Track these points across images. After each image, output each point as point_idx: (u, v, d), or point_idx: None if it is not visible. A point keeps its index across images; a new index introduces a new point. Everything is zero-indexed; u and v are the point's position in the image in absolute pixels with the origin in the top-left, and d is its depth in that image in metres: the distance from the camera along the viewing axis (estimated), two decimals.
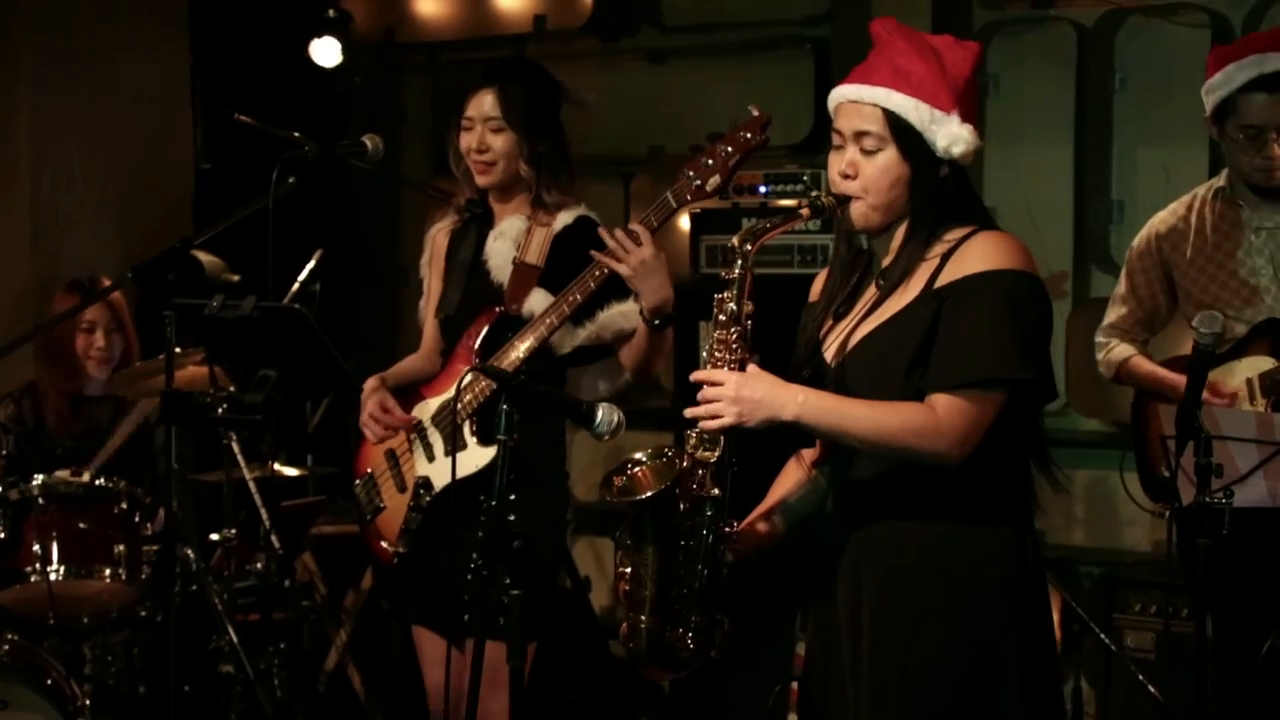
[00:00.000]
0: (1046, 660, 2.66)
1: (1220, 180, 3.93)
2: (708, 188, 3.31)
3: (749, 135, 3.28)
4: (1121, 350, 4.06)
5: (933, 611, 2.59)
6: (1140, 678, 4.42)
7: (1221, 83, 3.77)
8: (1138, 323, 4.07)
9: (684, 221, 5.45)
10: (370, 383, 3.70)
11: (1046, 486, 2.70)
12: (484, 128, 3.57)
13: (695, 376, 2.59)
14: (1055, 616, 5.01)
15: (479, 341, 3.54)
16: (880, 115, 2.62)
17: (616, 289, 3.46)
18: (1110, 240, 5.27)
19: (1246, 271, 3.83)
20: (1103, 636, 4.55)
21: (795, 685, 2.84)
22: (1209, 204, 3.91)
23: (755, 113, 3.29)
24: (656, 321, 3.40)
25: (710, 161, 3.31)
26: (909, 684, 2.58)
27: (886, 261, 2.70)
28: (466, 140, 3.60)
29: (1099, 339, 4.12)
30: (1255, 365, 3.74)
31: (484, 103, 3.58)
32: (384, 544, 3.64)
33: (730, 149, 3.29)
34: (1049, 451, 2.69)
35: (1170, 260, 3.96)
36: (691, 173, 3.32)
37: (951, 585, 2.59)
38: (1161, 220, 4.02)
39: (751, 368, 2.60)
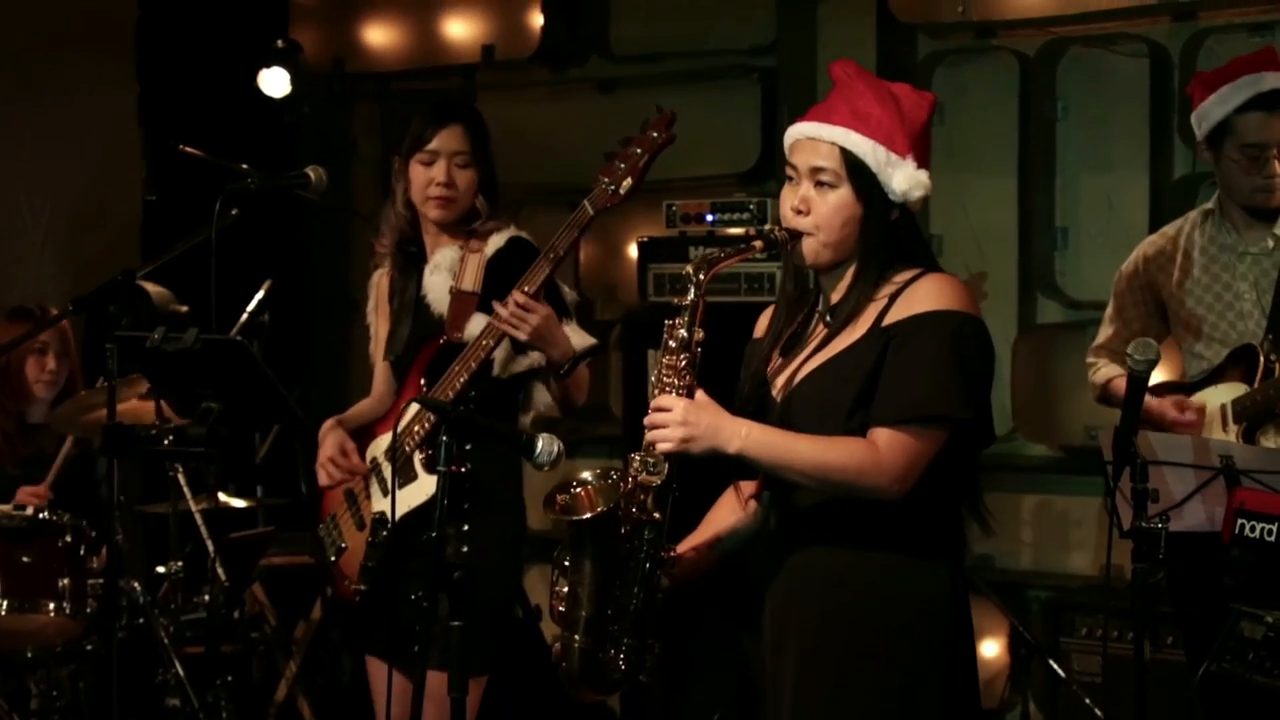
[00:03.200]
0: (971, 699, 2.68)
1: (1210, 204, 3.91)
2: (622, 191, 3.34)
3: (656, 134, 3.33)
4: (1106, 371, 4.02)
5: (861, 646, 2.61)
6: (1087, 700, 4.44)
7: (1216, 104, 3.77)
8: (1125, 343, 3.96)
9: (632, 250, 5.48)
10: (327, 424, 3.70)
11: (992, 519, 2.73)
12: (449, 162, 3.56)
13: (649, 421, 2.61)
14: (1003, 640, 5.07)
15: (424, 373, 3.55)
16: (837, 153, 2.65)
17: (555, 309, 3.48)
18: (1054, 267, 5.32)
19: (1232, 295, 3.82)
20: (1049, 660, 4.58)
21: None
22: (1198, 227, 3.90)
23: (662, 112, 3.34)
24: (564, 368, 3.46)
25: (622, 165, 3.34)
26: (836, 716, 2.60)
27: (835, 298, 2.72)
28: (426, 174, 3.57)
29: (1088, 359, 4.09)
30: (1230, 391, 3.74)
31: (452, 138, 3.57)
32: (347, 583, 3.63)
33: (639, 150, 3.33)
34: (981, 496, 2.72)
35: (1158, 283, 3.94)
36: (606, 179, 3.35)
37: (882, 620, 2.61)
38: (1150, 243, 4.01)
39: (700, 396, 2.61)
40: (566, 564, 2.68)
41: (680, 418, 2.56)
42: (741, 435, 2.57)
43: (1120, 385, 3.95)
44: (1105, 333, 4.06)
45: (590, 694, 2.71)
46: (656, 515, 2.64)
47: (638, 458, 2.63)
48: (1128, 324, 4.01)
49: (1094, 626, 4.78)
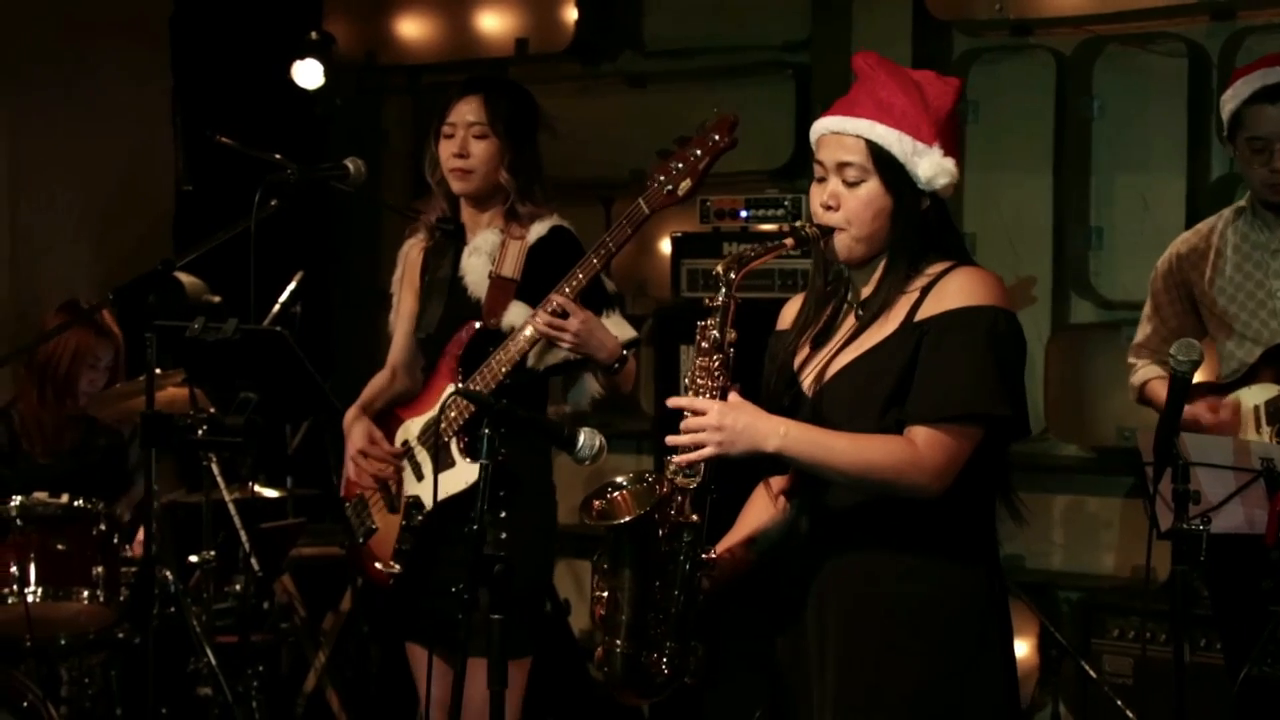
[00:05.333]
0: (1011, 698, 2.68)
1: (1243, 201, 3.90)
2: (679, 192, 3.30)
3: (718, 138, 3.27)
4: (1144, 372, 4.00)
5: (901, 643, 2.60)
6: (1118, 703, 4.42)
7: (1231, 96, 3.78)
8: (1164, 341, 3.96)
9: (665, 245, 5.47)
10: (350, 413, 3.68)
11: (1024, 507, 2.72)
12: (466, 133, 3.55)
13: (674, 403, 2.58)
14: (1033, 641, 5.05)
15: (459, 358, 3.54)
16: (863, 147, 2.63)
17: (598, 302, 3.47)
18: (1089, 266, 5.29)
19: (1265, 294, 3.80)
20: (1081, 662, 4.56)
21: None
22: (1231, 225, 3.88)
23: (722, 115, 3.29)
24: (615, 365, 3.45)
25: (680, 165, 3.29)
26: (874, 715, 2.59)
27: (866, 292, 2.70)
28: (447, 147, 3.58)
29: (1129, 359, 4.07)
30: (1263, 392, 3.71)
31: (468, 109, 3.57)
32: (378, 565, 3.62)
33: (699, 152, 3.28)
34: (1011, 482, 2.71)
35: (1190, 280, 3.92)
36: (662, 177, 3.31)
37: (921, 618, 2.60)
38: (1184, 240, 3.99)
39: (734, 396, 2.59)
40: (605, 568, 2.65)
41: (716, 421, 2.54)
42: (780, 434, 2.55)
43: (1157, 388, 3.93)
44: (1144, 331, 4.04)
45: (634, 698, 2.69)
46: (694, 517, 2.61)
47: (674, 462, 2.61)
48: (1165, 321, 3.99)
49: (1125, 628, 4.76)
